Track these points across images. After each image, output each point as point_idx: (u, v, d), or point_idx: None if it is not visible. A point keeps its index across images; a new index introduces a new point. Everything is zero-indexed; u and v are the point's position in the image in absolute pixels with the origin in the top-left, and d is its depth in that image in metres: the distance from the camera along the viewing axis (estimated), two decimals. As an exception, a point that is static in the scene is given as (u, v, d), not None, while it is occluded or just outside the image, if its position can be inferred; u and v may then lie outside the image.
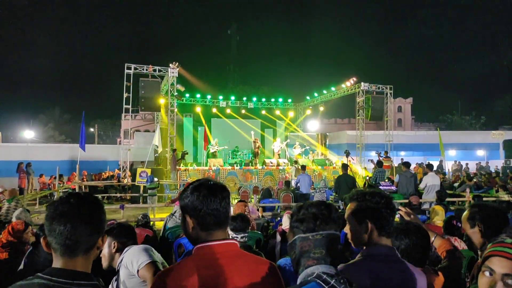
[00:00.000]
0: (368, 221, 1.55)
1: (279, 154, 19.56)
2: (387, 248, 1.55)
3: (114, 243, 2.30)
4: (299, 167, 16.03)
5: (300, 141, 20.96)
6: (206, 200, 1.37)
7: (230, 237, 3.02)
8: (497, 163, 21.60)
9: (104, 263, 2.29)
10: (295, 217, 1.38)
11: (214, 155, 18.35)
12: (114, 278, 2.24)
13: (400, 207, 2.67)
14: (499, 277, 1.06)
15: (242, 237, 2.99)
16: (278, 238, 4.21)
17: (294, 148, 19.50)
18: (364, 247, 1.59)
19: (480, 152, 24.15)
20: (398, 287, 1.48)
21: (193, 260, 1.35)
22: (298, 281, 1.30)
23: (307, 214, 1.35)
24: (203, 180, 1.46)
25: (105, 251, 2.29)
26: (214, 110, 22.14)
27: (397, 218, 2.60)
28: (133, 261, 2.12)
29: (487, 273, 1.10)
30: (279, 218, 6.28)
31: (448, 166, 19.09)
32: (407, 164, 9.39)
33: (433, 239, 2.26)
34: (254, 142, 19.80)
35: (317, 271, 1.26)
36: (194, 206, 1.37)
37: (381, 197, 1.59)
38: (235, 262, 1.36)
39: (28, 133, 39.41)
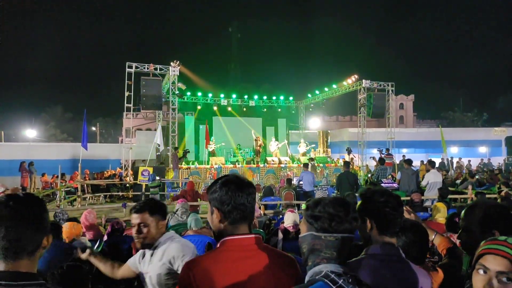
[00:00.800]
0: (368, 219, 1.56)
1: (277, 153, 19.55)
2: (389, 248, 1.53)
3: (161, 223, 2.09)
4: (315, 164, 15.97)
5: (304, 139, 20.96)
6: (234, 195, 1.42)
7: None
8: (499, 160, 21.54)
9: (147, 241, 2.03)
10: (311, 212, 1.35)
11: (213, 154, 18.39)
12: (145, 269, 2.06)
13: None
14: (494, 274, 1.06)
15: None
16: (280, 235, 4.21)
17: (299, 146, 19.49)
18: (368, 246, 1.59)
19: (482, 149, 24.07)
20: (397, 286, 1.46)
21: (221, 252, 1.41)
22: (306, 279, 1.30)
23: (323, 212, 1.32)
24: (231, 176, 1.50)
25: (153, 231, 2.04)
26: (215, 108, 22.15)
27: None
28: (177, 257, 1.96)
29: (481, 271, 1.10)
30: (281, 216, 6.28)
31: (450, 163, 19.06)
32: (409, 161, 9.36)
33: (433, 237, 2.26)
34: (255, 140, 19.79)
35: (325, 269, 1.25)
36: (222, 201, 1.42)
37: (388, 196, 1.57)
38: (259, 255, 1.42)
39: (30, 132, 39.52)
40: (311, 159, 16.49)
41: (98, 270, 2.29)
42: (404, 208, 2.42)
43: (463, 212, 1.73)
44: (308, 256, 1.33)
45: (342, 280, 1.18)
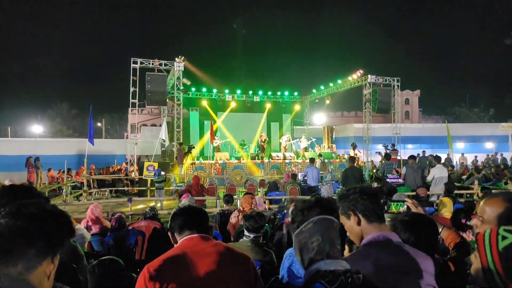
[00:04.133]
0: (351, 212, 1.62)
1: (285, 148, 19.55)
2: (384, 234, 1.57)
3: None
4: (325, 160, 15.91)
5: (305, 134, 20.91)
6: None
7: (245, 236, 3.13)
8: (505, 156, 21.38)
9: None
10: (292, 220, 1.40)
11: (218, 149, 18.43)
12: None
13: (406, 199, 2.66)
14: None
15: (254, 237, 3.09)
16: (285, 230, 4.22)
17: (300, 141, 19.45)
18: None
19: (489, 145, 23.88)
20: (400, 270, 1.49)
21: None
22: (304, 280, 1.29)
23: (295, 211, 1.37)
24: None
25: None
26: (220, 104, 22.12)
27: (402, 208, 2.60)
28: None
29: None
30: (285, 211, 6.29)
31: (456, 159, 18.93)
32: (412, 157, 9.34)
33: (440, 230, 2.25)
34: (260, 135, 19.81)
35: (322, 268, 1.23)
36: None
37: (356, 187, 1.65)
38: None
39: (37, 128, 39.81)
40: (320, 155, 16.44)
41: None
42: (411, 201, 2.42)
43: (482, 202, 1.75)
44: (302, 257, 1.32)
45: (339, 281, 1.16)
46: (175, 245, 1.75)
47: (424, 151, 16.93)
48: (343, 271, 1.21)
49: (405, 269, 1.50)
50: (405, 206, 2.44)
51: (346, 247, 1.91)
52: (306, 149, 19.22)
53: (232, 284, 1.60)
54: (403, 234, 1.90)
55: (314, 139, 20.16)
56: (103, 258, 2.20)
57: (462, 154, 21.02)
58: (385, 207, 2.70)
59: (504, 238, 1.13)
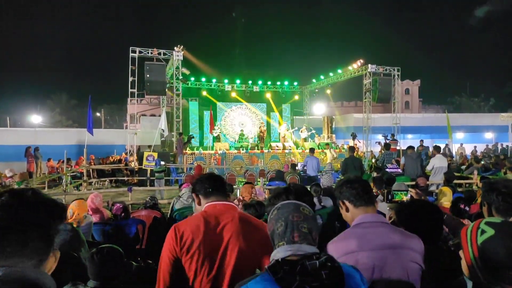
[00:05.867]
0: (340, 201, 1.80)
1: (284, 138, 19.55)
2: (371, 216, 1.70)
3: None
4: (330, 150, 15.82)
5: (306, 124, 20.89)
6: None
7: None
8: (506, 146, 21.39)
9: None
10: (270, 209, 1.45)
11: (218, 139, 18.42)
12: None
13: (410, 189, 2.66)
14: None
15: None
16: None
17: (301, 131, 19.43)
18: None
19: (489, 135, 23.88)
20: (385, 247, 1.58)
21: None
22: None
23: (269, 204, 1.53)
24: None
25: None
26: (220, 94, 22.03)
27: (406, 197, 2.59)
28: None
29: None
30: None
31: (455, 149, 18.93)
32: (411, 147, 9.36)
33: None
34: (260, 126, 19.78)
35: (275, 257, 1.17)
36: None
37: (341, 179, 1.87)
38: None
39: (36, 118, 39.70)
40: (327, 145, 16.30)
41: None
42: (415, 191, 2.44)
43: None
44: (273, 243, 1.26)
45: (283, 270, 1.10)
46: (197, 206, 1.97)
47: (422, 141, 16.88)
48: (302, 255, 1.13)
49: (389, 245, 1.58)
50: (409, 195, 2.44)
51: None
52: (305, 139, 19.22)
53: (252, 246, 1.76)
54: (407, 221, 1.90)
55: (314, 131, 20.18)
56: (102, 246, 2.20)
57: (461, 144, 21.01)
58: (389, 196, 2.72)
59: (483, 232, 1.12)
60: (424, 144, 16.67)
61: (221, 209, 1.85)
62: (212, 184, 1.94)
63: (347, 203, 1.75)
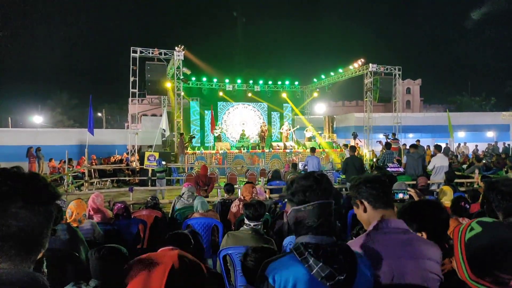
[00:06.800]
0: (358, 201, 1.71)
1: (286, 137, 19.57)
2: (389, 220, 1.63)
3: None
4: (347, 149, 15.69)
5: (311, 124, 20.94)
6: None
7: (245, 224, 3.13)
8: (508, 145, 21.35)
9: None
10: (289, 191, 1.46)
11: (219, 138, 18.43)
12: None
13: (409, 188, 2.67)
14: None
15: (255, 225, 3.12)
16: (285, 219, 4.24)
17: (306, 131, 19.48)
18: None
19: (490, 134, 23.84)
20: (403, 255, 1.53)
21: None
22: (291, 247, 1.39)
23: (298, 187, 1.43)
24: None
25: None
26: (221, 93, 22.04)
27: (406, 197, 2.60)
28: None
29: None
30: (285, 200, 6.33)
31: (456, 147, 18.91)
32: (414, 146, 9.32)
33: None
34: (261, 125, 19.79)
35: (300, 241, 1.35)
36: None
37: (361, 177, 1.75)
38: None
39: (37, 118, 39.77)
40: (345, 145, 16.10)
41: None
42: (414, 190, 2.43)
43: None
44: (294, 228, 1.43)
45: (307, 252, 1.29)
46: None
47: (418, 140, 16.84)
48: (318, 243, 1.32)
49: (408, 254, 1.54)
50: (408, 195, 2.44)
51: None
52: (310, 139, 19.25)
53: None
54: (412, 221, 1.89)
55: (320, 132, 20.28)
56: (103, 245, 2.21)
57: (464, 143, 20.93)
58: None
59: (471, 229, 1.12)
60: (420, 144, 16.65)
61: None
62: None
63: (365, 203, 1.68)
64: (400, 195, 2.44)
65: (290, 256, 1.34)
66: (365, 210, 1.69)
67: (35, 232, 0.90)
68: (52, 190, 0.98)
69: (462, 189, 7.64)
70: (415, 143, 16.08)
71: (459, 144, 20.78)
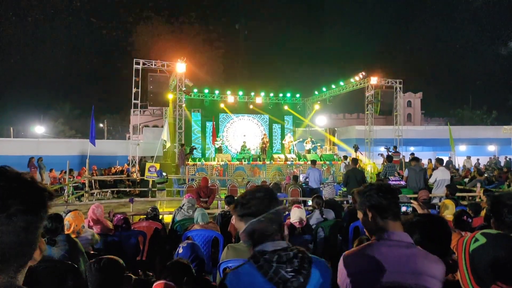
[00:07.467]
0: (367, 209, 1.67)
1: (289, 149, 19.59)
2: (396, 233, 1.61)
3: None
4: (350, 163, 15.74)
5: (311, 136, 20.93)
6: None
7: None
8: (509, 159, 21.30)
9: None
10: (241, 208, 1.47)
11: (220, 150, 18.45)
12: None
13: (412, 201, 2.65)
14: None
15: None
16: (286, 231, 4.21)
17: (306, 143, 19.47)
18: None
19: (491, 148, 23.82)
20: (407, 270, 1.51)
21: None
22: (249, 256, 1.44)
23: (253, 199, 1.47)
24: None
25: None
26: (222, 105, 22.13)
27: (408, 210, 2.58)
28: None
29: None
30: (287, 212, 6.28)
31: (459, 161, 18.83)
32: (416, 159, 9.30)
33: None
34: (262, 137, 19.82)
35: (257, 250, 1.41)
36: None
37: (378, 185, 1.72)
38: None
39: (39, 128, 39.86)
40: (345, 157, 16.07)
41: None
42: (417, 203, 2.42)
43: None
44: (252, 239, 1.45)
45: (263, 258, 1.35)
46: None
47: (412, 154, 16.75)
48: (281, 248, 1.39)
49: (409, 269, 1.51)
50: (411, 208, 2.43)
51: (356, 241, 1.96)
52: (309, 151, 19.23)
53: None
54: (414, 235, 1.87)
55: (319, 144, 20.26)
56: (102, 256, 2.20)
57: (468, 157, 20.78)
58: None
59: (476, 240, 1.12)
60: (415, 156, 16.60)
61: None
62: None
63: (374, 212, 1.65)
64: (403, 209, 2.43)
65: (248, 264, 1.39)
66: (372, 219, 1.66)
67: (6, 242, 0.84)
68: (28, 198, 0.90)
69: (464, 202, 7.59)
70: (410, 156, 16.12)
71: (469, 158, 20.67)
